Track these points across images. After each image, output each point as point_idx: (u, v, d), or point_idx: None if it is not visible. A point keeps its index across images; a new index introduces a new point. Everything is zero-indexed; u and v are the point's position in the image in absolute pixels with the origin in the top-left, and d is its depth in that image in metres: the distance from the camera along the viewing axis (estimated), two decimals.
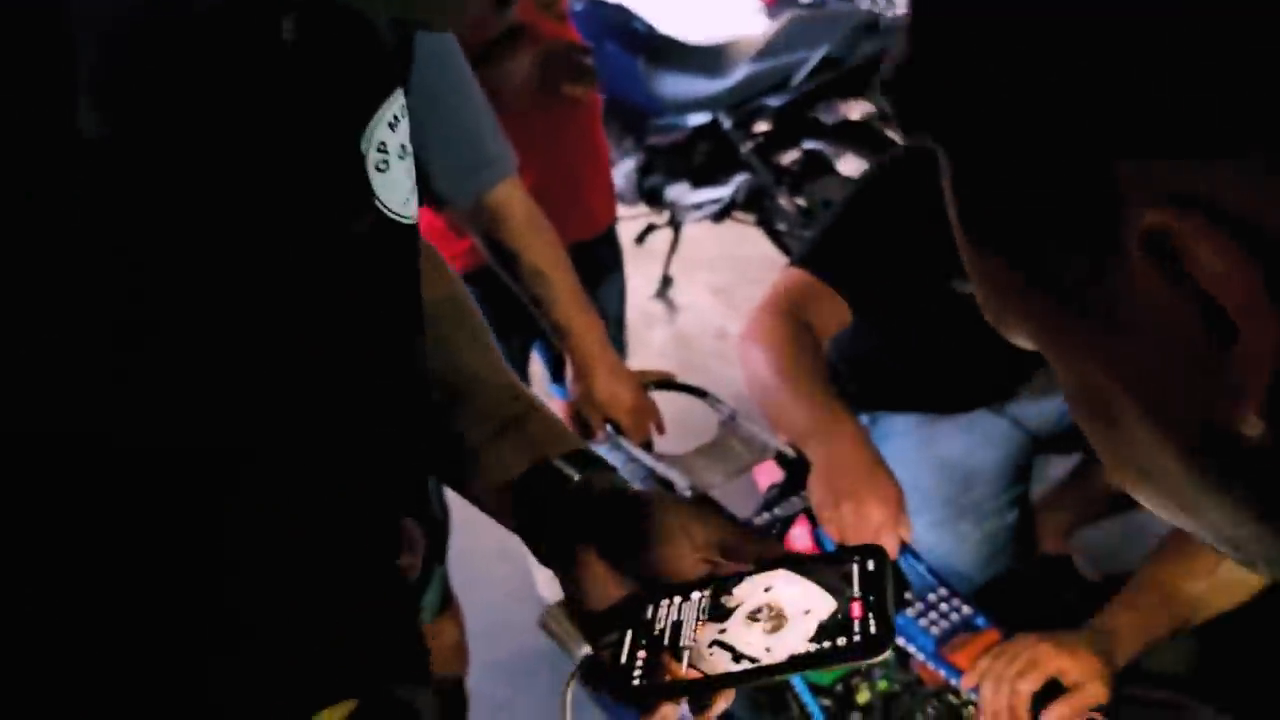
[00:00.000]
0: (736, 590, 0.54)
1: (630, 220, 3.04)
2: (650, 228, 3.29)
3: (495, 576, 2.12)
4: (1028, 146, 0.25)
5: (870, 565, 0.50)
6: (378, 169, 0.46)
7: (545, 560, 0.60)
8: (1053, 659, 0.96)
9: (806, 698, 1.03)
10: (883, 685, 1.06)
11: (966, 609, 1.10)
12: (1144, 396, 0.26)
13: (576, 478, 0.59)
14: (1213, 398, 0.23)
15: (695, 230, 3.13)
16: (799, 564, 0.53)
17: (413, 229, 0.51)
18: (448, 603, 1.40)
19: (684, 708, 0.52)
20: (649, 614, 0.56)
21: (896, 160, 1.31)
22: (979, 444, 1.43)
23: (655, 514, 0.57)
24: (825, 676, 1.05)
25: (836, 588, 0.50)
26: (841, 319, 1.27)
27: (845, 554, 0.52)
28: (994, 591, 1.34)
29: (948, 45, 0.26)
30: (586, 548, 0.57)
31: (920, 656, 1.07)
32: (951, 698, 1.06)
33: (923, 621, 1.09)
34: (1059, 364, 0.29)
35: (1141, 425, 0.26)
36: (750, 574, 0.55)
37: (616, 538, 0.57)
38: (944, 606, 1.10)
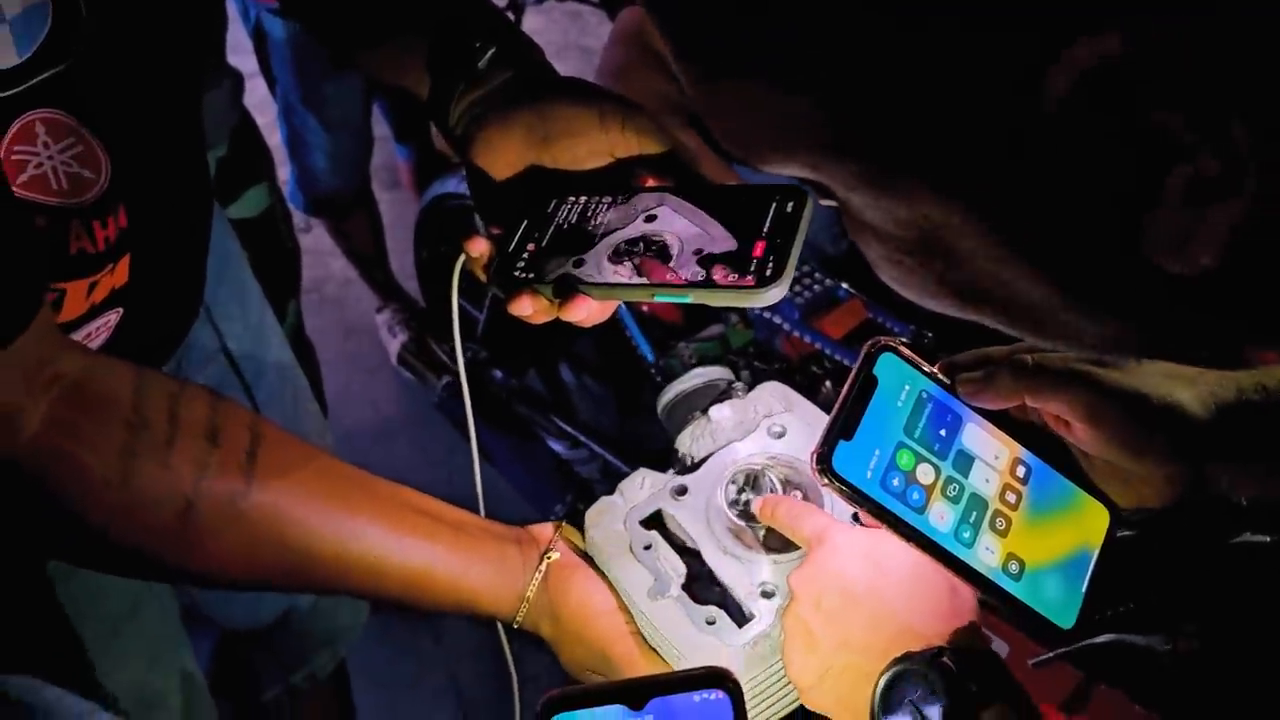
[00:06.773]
0: (643, 203, 0.51)
1: None
2: None
3: (347, 350, 2.09)
4: None
5: (789, 208, 0.47)
6: None
7: (448, 136, 0.57)
8: None
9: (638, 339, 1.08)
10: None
11: (829, 281, 1.12)
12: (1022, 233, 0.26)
13: (488, 50, 0.56)
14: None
15: (535, 19, 2.97)
16: (715, 193, 0.51)
17: None
18: None
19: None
20: (550, 209, 0.53)
21: None
22: None
23: (569, 100, 0.54)
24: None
25: (745, 222, 0.48)
26: None
27: (768, 192, 0.48)
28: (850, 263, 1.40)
29: None
30: (490, 122, 0.54)
31: (786, 326, 1.09)
32: (814, 368, 1.09)
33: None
34: (888, 201, 0.28)
35: (994, 259, 0.27)
36: (664, 190, 0.52)
37: (523, 115, 0.54)
38: (806, 280, 1.12)
